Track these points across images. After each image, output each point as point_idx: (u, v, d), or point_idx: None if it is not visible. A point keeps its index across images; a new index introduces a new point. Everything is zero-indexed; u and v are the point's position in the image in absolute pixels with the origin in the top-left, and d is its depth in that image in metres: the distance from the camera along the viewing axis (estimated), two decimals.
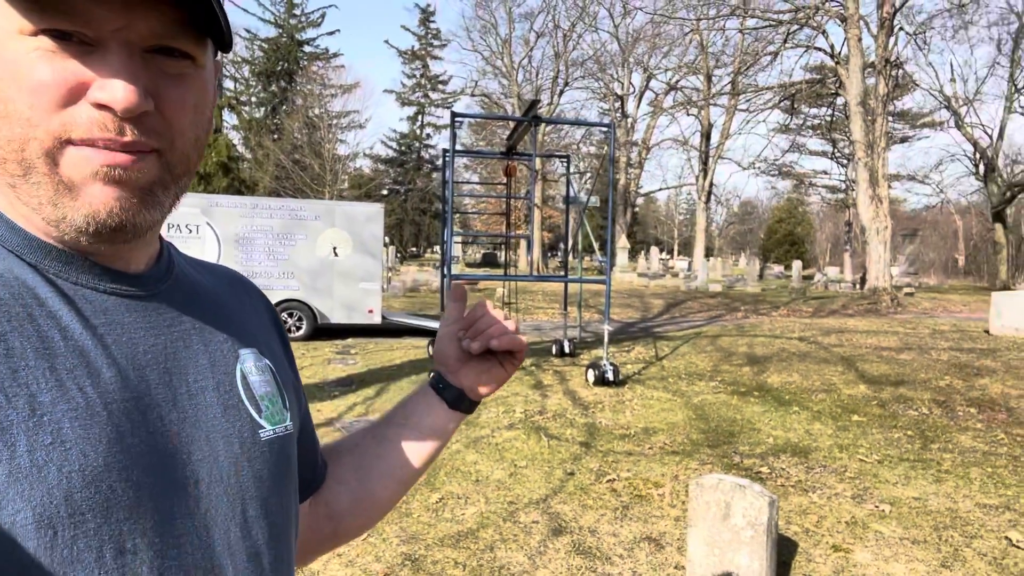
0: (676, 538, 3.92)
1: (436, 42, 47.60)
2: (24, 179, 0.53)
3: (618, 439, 5.72)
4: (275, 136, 41.76)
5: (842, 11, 21.85)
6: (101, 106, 0.51)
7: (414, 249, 55.94)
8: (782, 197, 61.99)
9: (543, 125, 39.68)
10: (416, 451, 0.89)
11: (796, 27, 24.24)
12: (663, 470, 5.00)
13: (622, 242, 35.03)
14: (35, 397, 0.49)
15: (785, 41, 25.33)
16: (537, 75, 41.91)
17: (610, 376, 7.45)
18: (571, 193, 10.12)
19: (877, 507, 4.43)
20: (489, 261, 48.54)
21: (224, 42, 0.59)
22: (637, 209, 70.75)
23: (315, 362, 9.11)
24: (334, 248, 11.97)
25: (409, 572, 3.49)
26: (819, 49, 24.34)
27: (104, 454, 0.51)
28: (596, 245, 10.89)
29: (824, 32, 23.72)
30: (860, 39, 21.82)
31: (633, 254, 53.04)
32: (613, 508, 4.31)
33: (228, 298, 0.73)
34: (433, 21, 47.54)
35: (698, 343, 10.09)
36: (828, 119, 29.27)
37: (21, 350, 0.50)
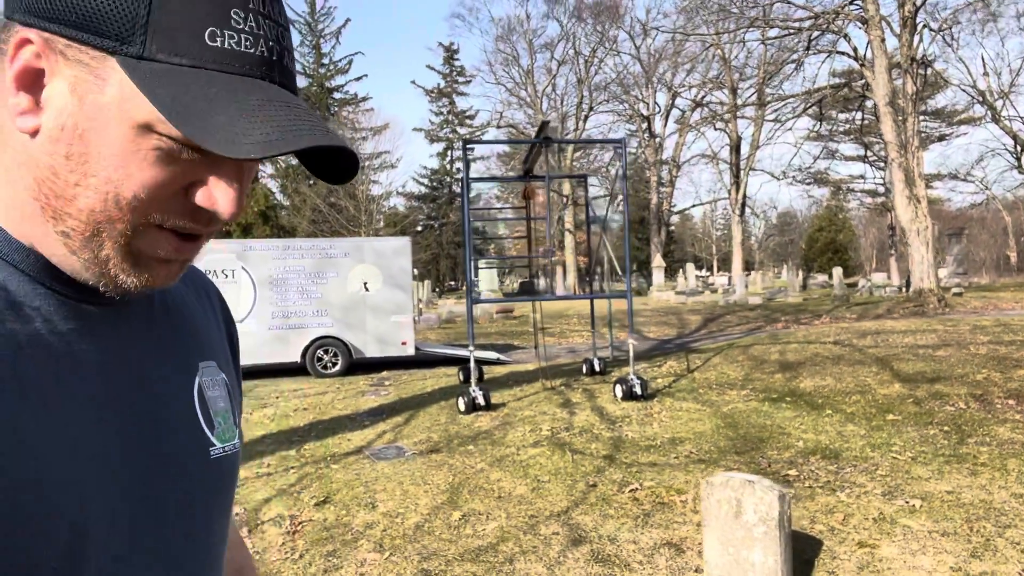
0: (697, 542, 3.89)
1: (461, 78, 48.49)
2: (86, 237, 0.53)
3: (643, 450, 5.69)
4: (311, 182, 42.77)
5: (862, 13, 21.68)
6: (206, 210, 0.54)
7: (452, 283, 56.42)
8: (820, 205, 61.03)
9: (570, 150, 39.94)
10: None
11: (817, 33, 24.11)
12: (687, 477, 4.96)
13: (657, 261, 34.83)
14: (8, 406, 0.48)
15: (807, 48, 25.22)
16: (562, 102, 42.35)
17: (638, 390, 7.42)
18: (590, 213, 10.17)
19: (907, 503, 4.33)
20: (527, 290, 48.72)
21: None
22: (673, 228, 70.38)
23: (349, 395, 9.25)
24: (364, 283, 12.19)
25: None
26: (842, 53, 24.12)
27: (69, 469, 0.50)
28: (616, 265, 10.86)
29: (846, 36, 23.54)
30: (883, 40, 21.58)
31: (671, 273, 52.67)
32: (634, 516, 4.30)
33: (193, 306, 0.73)
34: (457, 58, 48.45)
35: (730, 354, 9.98)
36: (859, 122, 28.83)
37: None
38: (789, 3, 24.50)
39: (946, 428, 5.85)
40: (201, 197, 0.53)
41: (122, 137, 0.51)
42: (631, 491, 4.72)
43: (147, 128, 0.50)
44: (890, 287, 30.40)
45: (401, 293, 12.40)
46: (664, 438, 6.04)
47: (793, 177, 43.06)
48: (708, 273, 73.12)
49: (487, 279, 39.99)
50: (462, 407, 7.28)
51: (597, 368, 9.44)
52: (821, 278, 46.86)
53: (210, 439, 0.66)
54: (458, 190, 48.58)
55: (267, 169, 44.37)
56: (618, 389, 7.57)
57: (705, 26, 29.67)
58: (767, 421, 6.43)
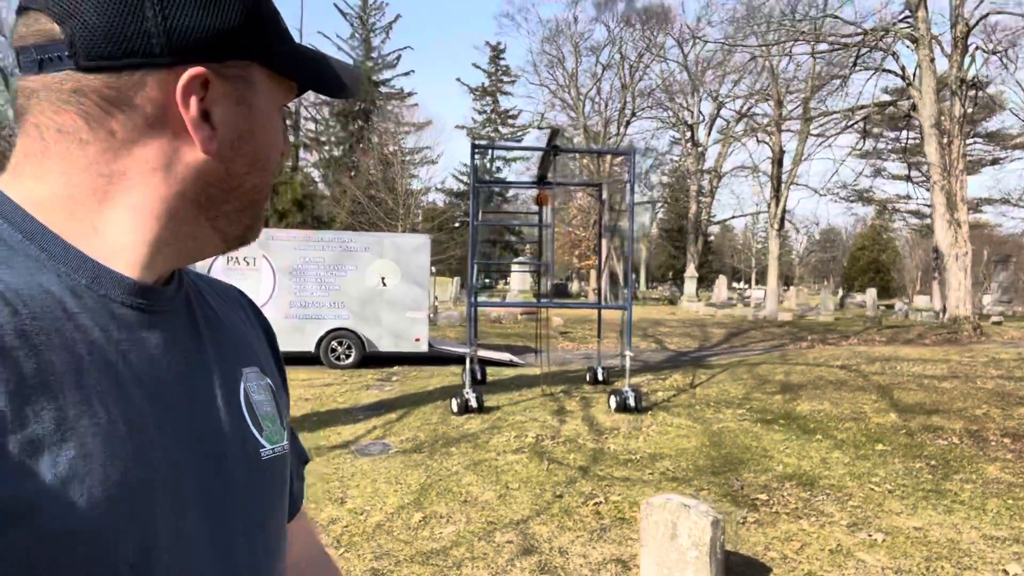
0: None
1: (505, 78, 48.64)
2: (238, 211, 0.64)
3: (620, 464, 5.71)
4: (352, 173, 43.37)
5: (912, 32, 21.19)
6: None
7: (487, 280, 56.64)
8: (864, 223, 59.73)
9: (609, 157, 39.79)
10: None
11: (865, 50, 23.64)
12: (656, 495, 4.96)
13: (690, 271, 34.51)
14: (61, 411, 0.49)
15: (854, 64, 24.71)
16: (605, 106, 42.18)
17: (632, 402, 7.42)
18: (604, 221, 10.17)
19: (870, 536, 4.29)
20: (561, 292, 48.68)
21: None
22: (712, 238, 69.57)
23: (353, 388, 9.42)
24: (382, 278, 12.37)
25: None
26: (889, 71, 23.63)
27: (125, 470, 0.51)
28: (640, 272, 10.86)
29: (894, 54, 23.03)
30: (933, 60, 21.07)
31: (708, 284, 52.07)
32: (591, 530, 4.33)
33: (230, 314, 0.75)
34: (503, 58, 48.60)
35: (736, 371, 9.89)
36: (904, 142, 28.17)
37: (48, 364, 0.50)
38: (837, 18, 24.08)
39: (933, 462, 5.74)
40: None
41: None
42: (595, 504, 4.75)
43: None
44: (928, 311, 29.65)
45: (418, 289, 12.54)
46: (645, 453, 6.05)
47: (836, 194, 42.21)
48: (746, 286, 72.14)
49: (519, 280, 40.06)
50: (455, 408, 7.37)
51: (600, 377, 9.44)
52: (860, 298, 45.90)
53: (260, 441, 0.68)
54: (497, 190, 48.83)
55: (311, 159, 45.15)
56: (612, 400, 7.58)
57: (754, 37, 29.34)
58: (754, 443, 6.38)
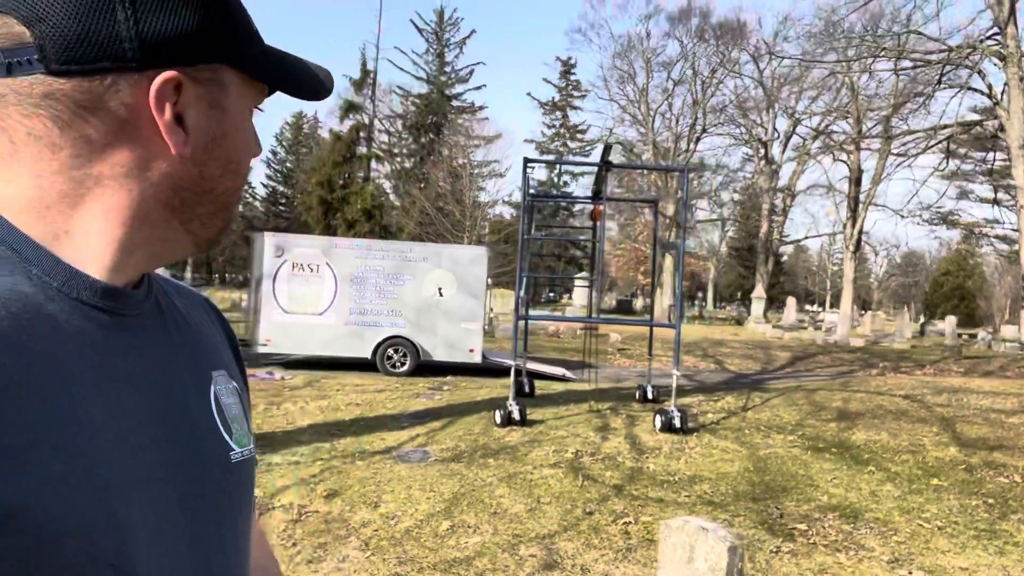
0: None
1: (576, 93, 48.75)
2: (210, 214, 0.64)
3: (657, 485, 5.63)
4: (422, 185, 44.19)
5: (1001, 49, 20.25)
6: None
7: (551, 294, 56.63)
8: (948, 248, 57.11)
9: (682, 174, 39.36)
10: None
11: (950, 67, 22.70)
12: (674, 517, 4.87)
13: (757, 292, 33.67)
14: (42, 413, 0.48)
15: (938, 82, 23.75)
16: (676, 122, 41.75)
17: (677, 423, 7.30)
18: (659, 237, 10.06)
19: (910, 573, 4.11)
20: (624, 308, 48.23)
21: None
22: (785, 258, 67.69)
23: (404, 395, 9.58)
24: (439, 288, 12.56)
25: None
26: (975, 89, 22.61)
27: (105, 471, 0.51)
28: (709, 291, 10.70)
29: (981, 72, 22.06)
30: (1022, 78, 20.08)
31: (779, 305, 50.65)
32: (617, 550, 4.29)
33: (197, 318, 0.75)
34: (573, 72, 48.76)
35: (793, 396, 9.60)
36: (991, 164, 26.85)
37: (28, 366, 0.49)
38: (921, 34, 23.22)
39: (991, 501, 5.45)
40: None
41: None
42: (624, 523, 4.70)
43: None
44: (1014, 342, 28.04)
45: (474, 301, 12.68)
46: (685, 475, 5.94)
47: (919, 216, 40.50)
48: (819, 309, 69.83)
49: (581, 295, 39.87)
50: (498, 420, 7.41)
51: (650, 396, 9.32)
52: (941, 325, 43.77)
53: (229, 444, 0.68)
54: (564, 204, 48.87)
55: (383, 170, 46.22)
56: (657, 420, 7.48)
57: (834, 53, 28.54)
58: (800, 470, 6.19)
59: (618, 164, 9.19)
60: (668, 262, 40.01)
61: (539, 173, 49.13)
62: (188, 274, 52.29)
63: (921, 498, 5.52)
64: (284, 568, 3.98)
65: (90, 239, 0.58)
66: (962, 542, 4.65)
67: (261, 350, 12.20)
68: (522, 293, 8.09)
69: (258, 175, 59.19)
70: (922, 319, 46.55)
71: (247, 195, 61.42)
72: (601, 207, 8.74)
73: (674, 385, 7.70)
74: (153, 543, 0.55)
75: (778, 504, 5.27)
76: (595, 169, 8.67)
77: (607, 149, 7.78)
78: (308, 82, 0.67)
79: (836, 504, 5.33)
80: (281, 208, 57.83)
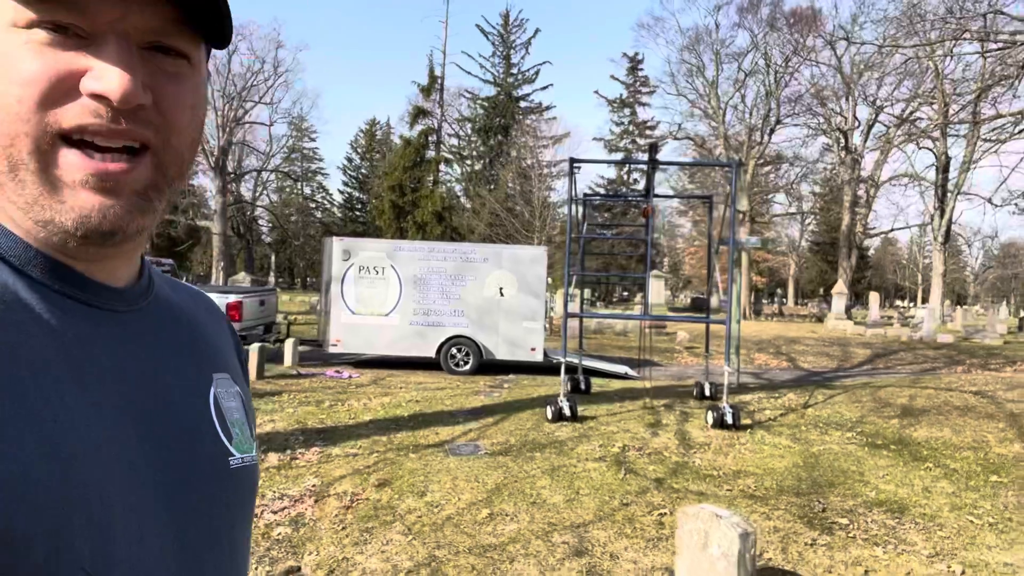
0: None
1: (644, 89, 48.26)
2: (11, 176, 0.51)
3: (700, 479, 5.66)
4: (491, 187, 44.70)
5: None
6: (96, 96, 0.51)
7: (626, 293, 56.23)
8: None
9: (751, 166, 38.40)
10: None
11: None
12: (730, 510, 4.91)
13: (838, 287, 32.52)
14: (14, 407, 0.47)
15: None
16: (750, 114, 40.80)
17: (729, 419, 7.28)
18: (710, 236, 9.99)
19: (949, 567, 4.04)
20: (698, 306, 47.43)
21: (222, 40, 0.59)
22: (872, 252, 65.00)
23: (464, 393, 9.84)
24: (500, 288, 12.79)
25: (425, 571, 3.91)
26: None
27: (81, 470, 0.49)
28: (733, 290, 10.55)
29: None
30: None
31: (866, 301, 48.72)
32: (648, 539, 4.39)
33: (203, 320, 0.73)
34: (641, 68, 48.23)
35: (857, 393, 9.36)
36: None
37: (11, 358, 0.48)
38: (1003, 13, 21.98)
39: None
40: (88, 80, 0.51)
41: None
42: (659, 515, 4.78)
43: (15, 25, 0.50)
44: None
45: (534, 300, 12.86)
46: (730, 470, 5.95)
47: (1016, 204, 38.24)
48: (910, 304, 66.77)
49: (655, 291, 39.53)
50: (549, 415, 7.57)
51: (707, 393, 9.28)
52: None
53: (228, 449, 0.65)
54: (634, 201, 48.49)
55: (454, 173, 46.97)
56: (709, 416, 7.47)
57: (916, 36, 27.35)
58: (852, 467, 6.09)
59: (664, 161, 9.19)
60: (743, 258, 39.12)
61: (610, 171, 48.83)
62: (271, 279, 54.47)
63: (976, 495, 5.36)
64: (332, 549, 4.26)
65: None
66: (1011, 538, 4.52)
67: (331, 350, 12.73)
68: (571, 291, 8.20)
69: (334, 182, 61.05)
70: (1021, 313, 43.88)
71: (325, 201, 63.48)
72: (649, 205, 8.76)
73: (725, 381, 7.67)
74: (134, 548, 0.52)
75: (822, 499, 5.23)
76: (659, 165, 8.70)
77: (652, 147, 7.82)
78: None
79: (884, 500, 5.24)
80: (357, 213, 59.50)
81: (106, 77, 0.50)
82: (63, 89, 0.50)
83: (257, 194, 54.55)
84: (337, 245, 12.89)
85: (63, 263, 0.56)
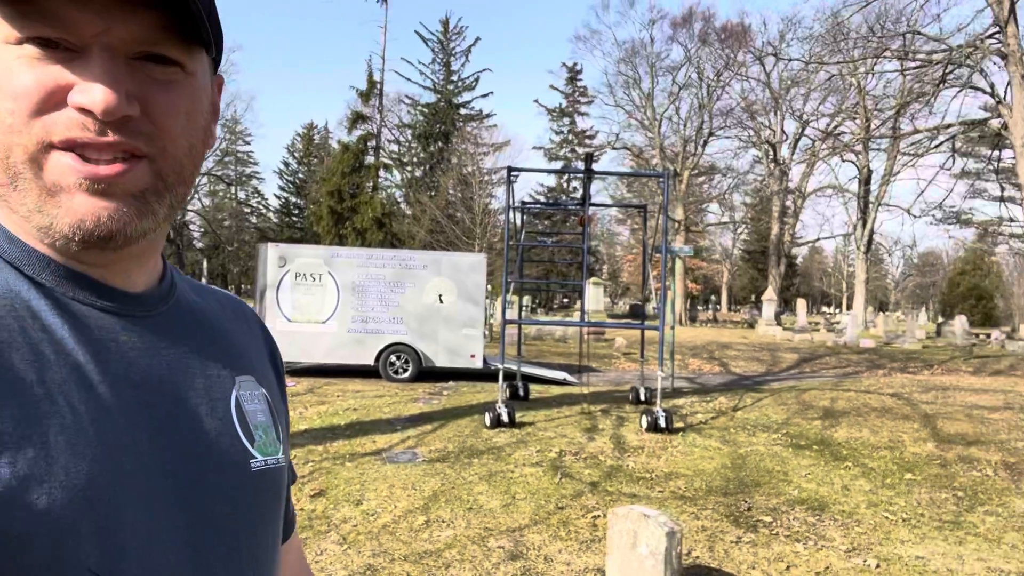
0: None
1: (582, 99, 48.98)
2: (11, 187, 0.53)
3: (633, 482, 5.81)
4: (431, 193, 44.57)
5: (1002, 48, 20.23)
6: (83, 110, 0.52)
7: (566, 300, 56.78)
8: (963, 247, 56.59)
9: (686, 177, 39.38)
10: None
11: (952, 67, 22.69)
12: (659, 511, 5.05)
13: (768, 294, 33.64)
14: (22, 409, 0.47)
15: (941, 82, 23.75)
16: (684, 126, 41.85)
17: (662, 423, 7.47)
18: (644, 244, 10.25)
19: (864, 561, 4.26)
20: (635, 312, 48.32)
21: (211, 46, 0.59)
22: (800, 260, 67.34)
23: (402, 400, 9.80)
24: (440, 295, 12.79)
25: None
26: (977, 88, 22.59)
27: (89, 471, 0.49)
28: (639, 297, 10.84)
29: (983, 71, 22.03)
30: None
31: (794, 308, 50.46)
32: (582, 541, 4.48)
33: (229, 324, 0.72)
34: (579, 79, 48.96)
35: (783, 396, 9.73)
36: (997, 162, 26.73)
37: (10, 361, 0.48)
38: (920, 34, 23.25)
39: (960, 494, 5.58)
40: (75, 94, 0.52)
41: None
42: (592, 517, 4.89)
43: (6, 42, 0.51)
44: None
45: (473, 307, 12.90)
46: (662, 472, 6.12)
47: (933, 216, 40.28)
48: (836, 310, 69.37)
49: (594, 298, 40.00)
50: (487, 422, 7.62)
51: (643, 398, 9.48)
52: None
53: (250, 451, 0.65)
54: (574, 209, 49.05)
55: (394, 179, 46.67)
56: (644, 420, 7.65)
57: (840, 54, 28.60)
58: (778, 467, 6.34)
59: (600, 172, 9.39)
60: (678, 266, 40.05)
61: (549, 180, 49.31)
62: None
63: (892, 492, 5.66)
64: None
65: None
66: (923, 533, 4.80)
67: None
68: (510, 298, 8.29)
69: (271, 187, 59.87)
70: (939, 319, 46.19)
71: (260, 206, 62.18)
72: (585, 214, 8.92)
73: (659, 386, 7.87)
74: (146, 548, 0.52)
75: (748, 498, 5.43)
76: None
77: (589, 158, 7.99)
78: None
79: (806, 498, 5.48)
80: (294, 219, 58.44)
81: (90, 90, 0.51)
82: (52, 102, 0.52)
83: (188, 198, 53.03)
84: (272, 251, 12.67)
85: (76, 270, 0.56)
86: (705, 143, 40.29)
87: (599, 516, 4.90)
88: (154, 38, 0.54)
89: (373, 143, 36.05)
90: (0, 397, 0.47)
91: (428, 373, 12.67)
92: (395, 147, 47.33)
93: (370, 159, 34.98)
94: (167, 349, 0.61)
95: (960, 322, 25.05)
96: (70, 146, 0.52)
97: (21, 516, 0.45)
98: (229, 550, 0.60)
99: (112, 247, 0.55)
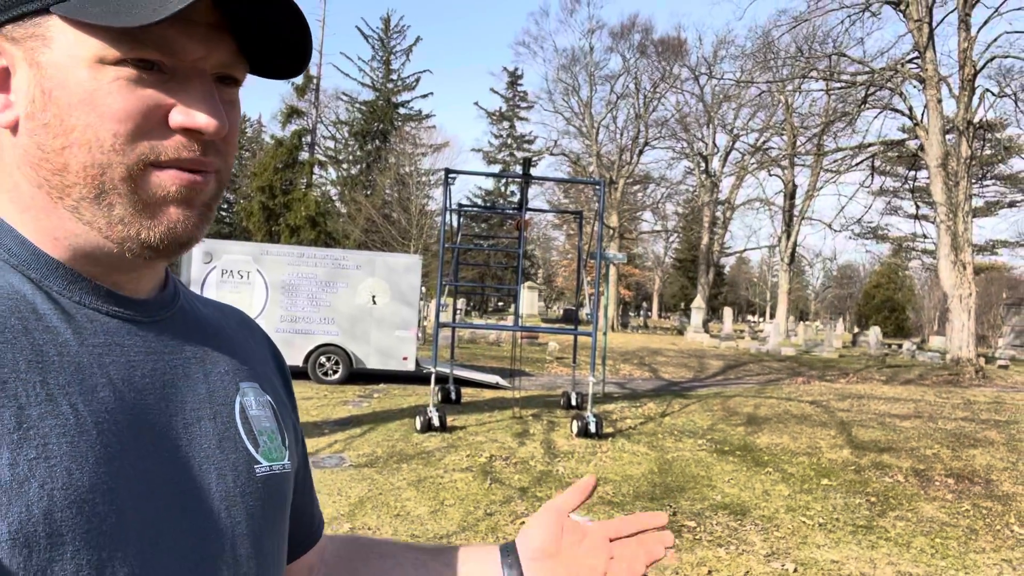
0: None
1: (522, 103, 49.27)
2: (95, 201, 0.54)
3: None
4: (367, 192, 44.00)
5: (920, 72, 21.31)
6: (186, 130, 0.54)
7: (501, 303, 56.90)
8: (879, 261, 59.39)
9: (621, 183, 40.04)
10: None
11: (874, 88, 23.77)
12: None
13: (697, 302, 34.48)
14: (23, 410, 0.47)
15: (863, 103, 24.84)
16: (621, 135, 42.56)
17: (592, 428, 7.54)
18: (580, 249, 10.37)
19: (783, 566, 4.39)
20: (569, 317, 48.84)
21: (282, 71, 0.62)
22: (726, 270, 69.33)
23: (331, 403, 9.61)
24: (373, 296, 12.60)
25: None
26: (896, 110, 23.74)
27: (90, 474, 0.49)
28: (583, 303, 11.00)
29: (902, 94, 23.13)
30: (940, 101, 21.15)
31: (721, 315, 51.93)
32: None
33: (232, 333, 0.72)
34: (520, 84, 49.26)
35: (709, 402, 9.97)
36: (913, 181, 28.14)
37: (12, 362, 0.49)
38: (844, 56, 24.27)
39: (873, 499, 5.81)
40: (178, 116, 0.53)
41: (83, 79, 0.52)
42: (521, 523, 4.87)
43: (101, 61, 0.51)
44: (936, 352, 29.37)
45: (407, 309, 12.76)
46: None
47: (851, 230, 42.08)
48: (760, 319, 71.67)
49: (529, 302, 40.19)
50: (418, 426, 7.54)
51: (574, 403, 9.56)
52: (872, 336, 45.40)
53: (255, 456, 0.64)
54: (510, 212, 49.24)
55: (330, 176, 45.88)
56: (574, 426, 7.71)
57: (770, 72, 29.61)
58: (702, 472, 6.48)
59: (537, 177, 9.44)
60: (612, 272, 40.69)
61: (487, 183, 49.37)
62: None
63: (809, 497, 5.85)
64: None
65: (21, 230, 0.56)
66: (838, 537, 4.97)
67: None
68: (444, 301, 8.24)
69: None
70: (856, 329, 48.27)
71: None
72: (522, 218, 8.96)
73: (590, 392, 7.95)
74: (146, 555, 0.52)
75: (673, 503, 5.53)
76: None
77: (527, 163, 8.03)
78: (156, 3, 0.50)
79: (728, 503, 5.62)
80: (223, 214, 56.72)
81: (196, 114, 0.54)
82: (153, 124, 0.53)
83: None
84: (198, 246, 12.24)
85: (85, 276, 0.57)
86: (641, 152, 41.06)
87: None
88: (231, 61, 0.57)
89: (308, 139, 35.35)
90: (1, 397, 0.47)
91: (359, 375, 12.47)
92: (331, 144, 46.59)
93: (304, 155, 34.25)
94: (171, 354, 0.61)
95: (874, 333, 26.25)
96: (173, 165, 0.54)
97: (21, 518, 0.45)
98: (233, 556, 0.60)
99: (180, 253, 0.59)
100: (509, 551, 0.80)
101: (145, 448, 0.54)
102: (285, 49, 0.60)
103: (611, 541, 0.79)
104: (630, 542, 0.79)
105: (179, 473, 0.57)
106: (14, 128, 0.54)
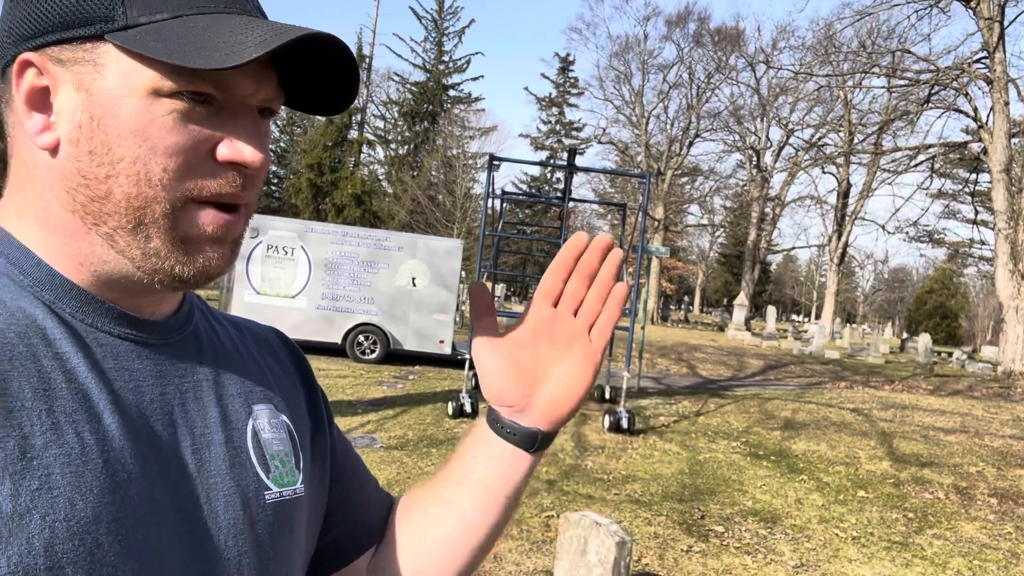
0: None
1: (572, 90, 48.83)
2: (132, 233, 0.53)
3: (590, 482, 5.80)
4: (414, 173, 44.21)
5: (988, 73, 20.48)
6: (233, 164, 0.54)
7: None
8: (934, 266, 57.64)
9: (669, 176, 39.50)
10: (481, 514, 0.73)
11: (938, 88, 22.95)
12: (613, 515, 5.05)
13: (740, 299, 33.92)
14: (27, 439, 0.46)
15: (926, 102, 24.02)
16: (671, 125, 41.95)
17: (624, 424, 7.47)
18: (622, 242, 10.25)
19: None
20: None
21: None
22: (772, 268, 68.04)
23: (367, 383, 9.72)
24: (413, 279, 12.69)
25: None
26: (960, 111, 22.88)
27: (94, 504, 0.48)
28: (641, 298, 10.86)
29: (967, 94, 22.29)
30: (1007, 103, 20.32)
31: (764, 314, 51.06)
32: (533, 541, 4.46)
33: (247, 353, 0.71)
34: (571, 70, 48.80)
35: (745, 404, 9.80)
36: (973, 185, 27.15)
37: (18, 390, 0.47)
38: (909, 53, 23.45)
39: (911, 515, 5.65)
40: (225, 150, 0.54)
41: (136, 110, 0.51)
42: (547, 517, 4.87)
43: (156, 93, 0.51)
44: (987, 363, 28.41)
45: (446, 293, 12.82)
46: (620, 474, 6.12)
47: (906, 232, 40.86)
48: (805, 319, 70.27)
49: None
50: (450, 411, 7.57)
51: (608, 396, 9.50)
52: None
53: (265, 483, 0.63)
54: (556, 200, 49.00)
55: (378, 156, 46.21)
56: (606, 420, 7.65)
57: (830, 66, 28.78)
58: (734, 475, 6.38)
59: (581, 168, 9.33)
60: (654, 265, 40.25)
61: (533, 169, 49.18)
62: None
63: (844, 508, 5.71)
64: None
65: (29, 244, 0.55)
66: (871, 552, 4.84)
67: None
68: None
69: None
70: (905, 335, 47.02)
71: None
72: (563, 208, 8.87)
73: (624, 386, 7.87)
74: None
75: (702, 506, 5.45)
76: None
77: (572, 152, 7.94)
78: (228, 47, 0.50)
79: (759, 509, 5.51)
80: (273, 188, 57.68)
81: (242, 148, 0.54)
82: (200, 157, 0.53)
83: None
84: None
85: (102, 299, 0.56)
86: (691, 144, 40.44)
87: (553, 516, 4.88)
88: (275, 96, 0.57)
89: (358, 118, 35.66)
90: (4, 425, 0.46)
91: (395, 355, 12.58)
92: (380, 123, 46.87)
93: (354, 134, 34.62)
94: (181, 377, 0.60)
95: (924, 339, 25.47)
96: (213, 200, 0.54)
97: (21, 551, 0.44)
98: None
99: (203, 285, 0.58)
100: (497, 421, 0.72)
101: (151, 476, 0.53)
102: (331, 91, 0.60)
103: (554, 307, 0.70)
104: (573, 295, 0.69)
105: (185, 501, 0.56)
106: (53, 150, 0.53)
